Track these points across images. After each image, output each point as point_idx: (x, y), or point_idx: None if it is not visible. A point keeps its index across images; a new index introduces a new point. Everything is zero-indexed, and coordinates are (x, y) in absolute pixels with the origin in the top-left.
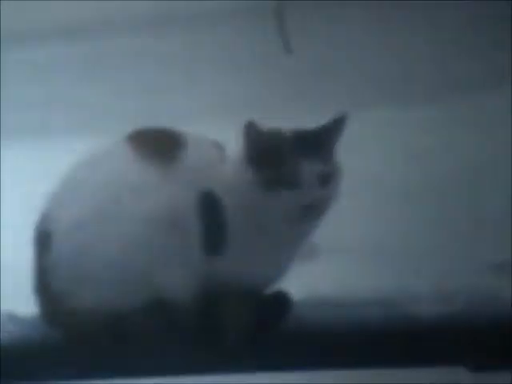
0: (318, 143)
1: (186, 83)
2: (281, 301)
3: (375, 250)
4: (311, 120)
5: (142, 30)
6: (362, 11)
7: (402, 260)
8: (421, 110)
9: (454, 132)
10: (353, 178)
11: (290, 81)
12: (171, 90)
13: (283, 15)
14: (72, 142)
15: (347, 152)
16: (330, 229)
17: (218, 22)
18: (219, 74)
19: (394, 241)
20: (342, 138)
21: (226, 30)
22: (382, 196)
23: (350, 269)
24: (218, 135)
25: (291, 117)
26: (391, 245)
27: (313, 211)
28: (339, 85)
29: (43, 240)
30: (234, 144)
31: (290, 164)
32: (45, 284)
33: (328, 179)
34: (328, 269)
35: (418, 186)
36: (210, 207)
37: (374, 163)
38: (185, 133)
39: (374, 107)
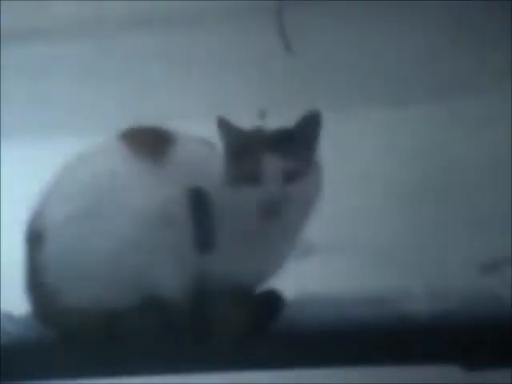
0: (286, 141)
1: (184, 82)
2: (273, 300)
3: (370, 248)
4: None
5: (143, 30)
6: (361, 10)
7: (397, 259)
8: (420, 110)
9: (453, 131)
10: (349, 178)
11: (289, 80)
12: (172, 89)
13: (283, 15)
14: (72, 141)
15: (345, 151)
16: (324, 228)
17: (217, 22)
18: (218, 73)
19: (390, 240)
20: (340, 138)
21: (226, 29)
22: (378, 195)
23: (345, 268)
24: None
25: (291, 115)
26: (386, 244)
27: (277, 207)
28: (339, 84)
29: (35, 238)
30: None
31: (252, 159)
32: (37, 282)
33: (293, 176)
34: (322, 268)
35: (415, 186)
36: (200, 204)
37: (372, 162)
38: (176, 131)
39: (372, 106)
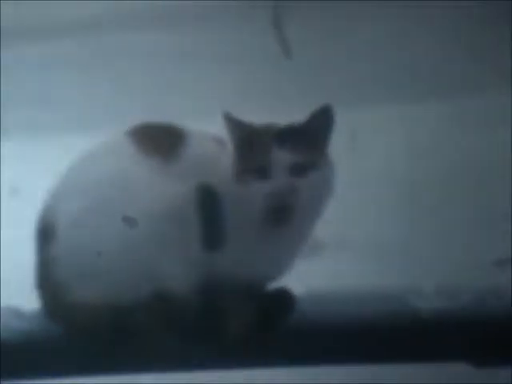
0: (295, 135)
1: (186, 80)
2: (284, 298)
3: (378, 246)
4: None
5: (145, 28)
6: (363, 11)
7: (404, 256)
8: (422, 109)
9: (456, 130)
10: (357, 176)
11: (292, 79)
12: (172, 87)
13: (282, 21)
14: (72, 139)
15: (351, 150)
16: (333, 225)
17: (220, 20)
18: (222, 71)
19: (398, 237)
20: (347, 137)
21: (230, 27)
22: (386, 193)
23: (353, 265)
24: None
25: (293, 115)
26: (394, 241)
27: (286, 201)
28: (340, 83)
29: (45, 233)
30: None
31: (261, 154)
32: (47, 277)
33: (302, 171)
34: (331, 265)
35: (422, 184)
36: (209, 202)
37: (378, 161)
38: (185, 128)
39: (375, 106)
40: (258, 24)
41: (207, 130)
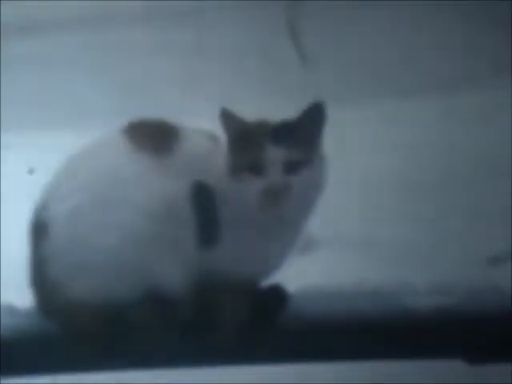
0: (289, 132)
1: (186, 77)
2: (278, 295)
3: (374, 243)
4: None
5: (144, 24)
6: (365, 11)
7: (400, 252)
8: (421, 106)
9: (453, 127)
10: (352, 172)
11: (291, 78)
12: (171, 85)
13: (297, 27)
14: (71, 136)
15: (347, 147)
16: (328, 221)
17: (220, 17)
18: (221, 67)
19: (393, 233)
20: (342, 131)
21: (231, 24)
22: (381, 190)
23: (348, 261)
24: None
25: (294, 108)
26: (390, 237)
27: (280, 197)
28: (339, 80)
29: (40, 230)
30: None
31: (255, 150)
32: (41, 275)
33: (296, 167)
34: (325, 261)
35: (417, 180)
36: (203, 199)
37: (374, 157)
38: (180, 125)
39: (372, 103)
40: (260, 20)
41: (203, 126)
